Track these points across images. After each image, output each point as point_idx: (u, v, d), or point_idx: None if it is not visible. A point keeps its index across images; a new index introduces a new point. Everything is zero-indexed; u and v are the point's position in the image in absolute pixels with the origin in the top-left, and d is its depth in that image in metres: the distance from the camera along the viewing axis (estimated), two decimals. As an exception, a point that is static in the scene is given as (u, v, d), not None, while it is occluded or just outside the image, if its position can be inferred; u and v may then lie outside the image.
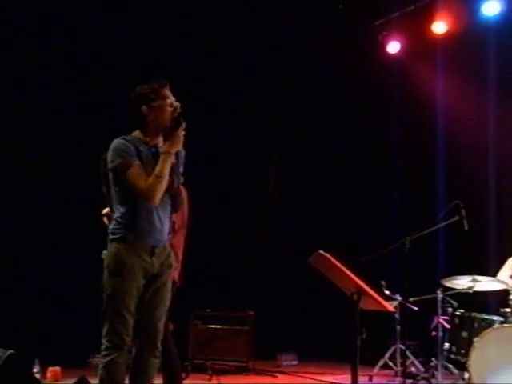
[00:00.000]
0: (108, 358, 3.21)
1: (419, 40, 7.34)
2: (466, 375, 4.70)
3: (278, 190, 8.03)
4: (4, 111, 6.20)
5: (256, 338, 6.65)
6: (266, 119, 7.87)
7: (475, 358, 4.68)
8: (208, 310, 6.71)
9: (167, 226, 3.38)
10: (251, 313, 6.69)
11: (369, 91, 7.60)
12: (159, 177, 3.21)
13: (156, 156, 3.28)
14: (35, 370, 5.17)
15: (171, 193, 3.34)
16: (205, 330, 6.59)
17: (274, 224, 7.96)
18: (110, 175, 3.31)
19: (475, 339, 4.77)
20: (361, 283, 3.01)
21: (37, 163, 6.32)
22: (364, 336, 3.01)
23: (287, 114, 7.92)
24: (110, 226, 3.37)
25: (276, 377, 6.34)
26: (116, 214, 3.34)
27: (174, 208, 3.43)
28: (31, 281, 6.08)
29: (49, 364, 5.50)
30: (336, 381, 5.89)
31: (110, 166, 3.29)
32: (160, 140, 3.35)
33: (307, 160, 7.85)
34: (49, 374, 5.52)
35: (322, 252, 3.02)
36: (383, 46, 7.62)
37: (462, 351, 5.06)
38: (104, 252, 3.58)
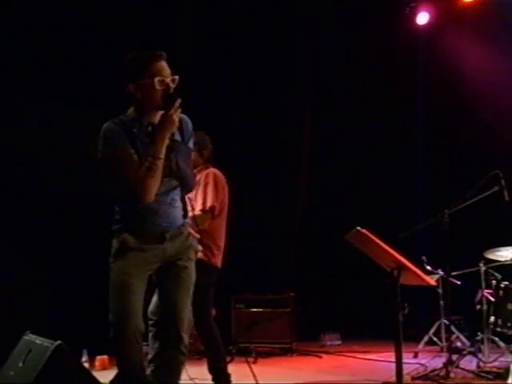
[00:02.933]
0: (119, 351, 2.92)
1: (448, 9, 7.20)
2: (514, 347, 4.63)
3: (309, 170, 8.01)
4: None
5: (299, 320, 6.68)
6: (294, 93, 7.82)
7: (522, 330, 4.62)
8: (249, 294, 6.75)
9: (178, 209, 3.06)
10: (292, 294, 6.71)
11: (398, 65, 7.49)
12: (150, 169, 2.85)
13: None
14: (84, 360, 5.30)
15: (174, 176, 2.99)
16: (247, 313, 6.64)
17: (309, 204, 7.95)
18: (102, 166, 2.98)
19: (521, 311, 4.70)
20: (401, 258, 2.98)
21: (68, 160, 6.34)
22: (406, 311, 2.98)
23: (316, 88, 7.88)
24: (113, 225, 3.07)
25: (320, 357, 6.35)
26: (115, 208, 3.05)
27: (184, 188, 3.07)
28: (78, 272, 6.18)
29: (97, 353, 5.66)
30: (381, 358, 5.87)
31: (98, 154, 2.96)
32: (158, 117, 2.96)
33: (336, 138, 7.81)
34: (97, 363, 5.68)
35: (359, 228, 3.00)
36: (412, 17, 7.49)
37: (508, 324, 4.99)
38: None
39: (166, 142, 2.89)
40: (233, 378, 4.26)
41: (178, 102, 2.88)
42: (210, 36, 7.31)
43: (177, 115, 2.89)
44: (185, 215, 3.12)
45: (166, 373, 3.02)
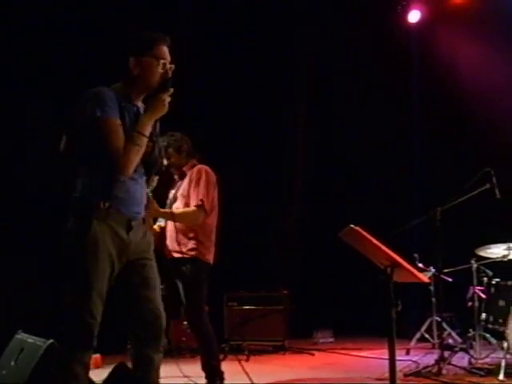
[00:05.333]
0: (71, 356, 2.69)
1: (439, 7, 7.22)
2: (505, 344, 4.65)
3: (304, 168, 8.02)
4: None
5: (291, 317, 6.69)
6: (292, 88, 7.85)
7: (513, 327, 4.64)
8: (242, 292, 6.75)
9: (144, 198, 2.96)
10: (285, 292, 6.72)
11: (391, 63, 7.51)
12: (136, 144, 2.74)
13: (138, 117, 2.84)
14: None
15: (150, 161, 2.89)
16: (240, 311, 6.64)
17: (303, 202, 7.96)
18: (83, 127, 2.76)
19: (512, 307, 4.72)
20: (394, 255, 2.99)
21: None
22: (399, 308, 2.99)
23: (311, 86, 7.89)
24: (76, 194, 2.81)
25: (313, 354, 6.37)
26: (82, 177, 2.80)
27: (150, 179, 3.00)
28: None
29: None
30: (373, 355, 5.89)
31: (86, 114, 2.72)
32: (140, 100, 2.91)
33: (331, 137, 7.83)
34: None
35: (353, 226, 3.01)
36: (404, 16, 7.52)
37: (500, 320, 5.01)
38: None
39: (152, 123, 2.84)
40: (226, 376, 4.26)
41: (171, 90, 2.85)
42: (209, 36, 7.29)
43: (167, 101, 2.85)
44: (146, 206, 3.00)
45: (147, 375, 2.90)
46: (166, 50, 2.91)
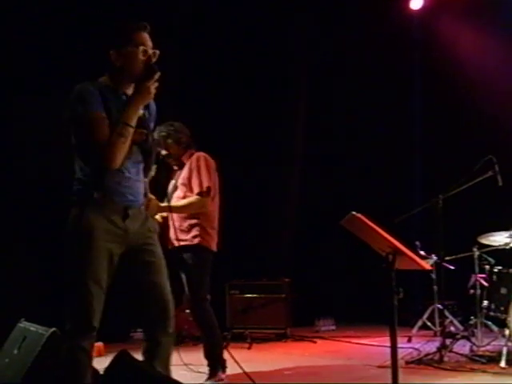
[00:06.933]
0: (72, 344, 2.75)
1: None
2: (507, 332, 4.66)
3: (304, 157, 8.00)
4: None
5: (293, 305, 6.70)
6: (291, 77, 7.82)
7: (515, 314, 4.64)
8: (244, 280, 6.76)
9: (141, 187, 2.96)
10: (287, 280, 6.73)
11: (393, 51, 7.48)
12: (121, 135, 2.75)
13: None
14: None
15: (143, 148, 2.91)
16: (242, 299, 6.65)
17: (305, 190, 7.95)
18: (70, 124, 2.85)
19: (514, 295, 4.72)
20: (396, 243, 2.98)
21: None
22: (401, 296, 2.98)
23: (311, 76, 7.86)
24: (74, 187, 2.89)
25: (315, 342, 6.38)
26: (78, 172, 2.88)
27: (147, 167, 2.98)
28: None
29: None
30: (375, 343, 5.90)
31: (68, 113, 2.83)
32: (131, 89, 2.90)
33: (333, 124, 7.81)
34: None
35: (355, 213, 2.99)
36: (406, 2, 7.47)
37: (502, 308, 5.01)
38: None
39: (140, 113, 2.85)
40: (228, 364, 4.28)
41: (158, 74, 2.84)
42: (208, 35, 7.25)
43: (154, 88, 2.85)
44: (145, 194, 3.03)
45: (155, 359, 2.92)
46: (144, 36, 2.89)
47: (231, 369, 4.27)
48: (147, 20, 2.95)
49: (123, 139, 2.77)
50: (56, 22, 6.13)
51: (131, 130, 2.80)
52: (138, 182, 2.94)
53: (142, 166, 2.96)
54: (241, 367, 3.90)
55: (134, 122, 2.81)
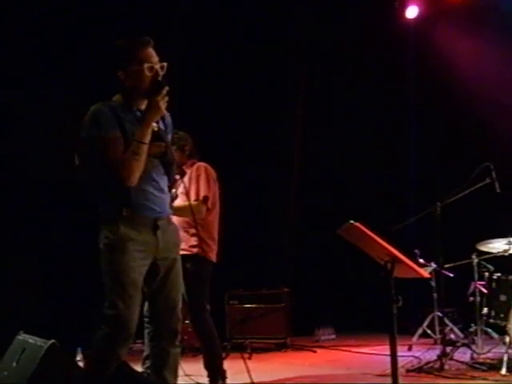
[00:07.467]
0: (107, 349, 2.84)
1: (437, 2, 7.21)
2: (507, 339, 4.65)
3: (302, 165, 8.01)
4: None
5: (293, 315, 6.68)
6: (288, 81, 7.85)
7: (515, 321, 4.63)
8: (243, 290, 6.75)
9: (167, 198, 3.05)
10: (286, 290, 6.71)
11: (388, 59, 7.51)
12: (135, 153, 2.82)
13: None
14: (78, 359, 5.27)
15: (164, 160, 2.99)
16: (241, 309, 6.64)
17: (302, 199, 7.95)
18: (86, 146, 2.92)
19: (514, 302, 4.71)
20: (394, 251, 2.98)
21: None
22: (400, 304, 2.98)
23: (306, 81, 7.88)
24: (100, 209, 2.96)
25: (315, 352, 6.36)
26: (100, 191, 2.95)
27: (170, 179, 3.07)
28: (71, 270, 6.12)
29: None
30: (375, 352, 5.89)
31: (84, 134, 2.91)
32: (145, 104, 2.96)
33: (329, 131, 7.82)
34: (91, 362, 5.64)
35: (352, 222, 3.00)
36: (401, 11, 7.50)
37: (501, 315, 5.00)
38: None
39: (154, 126, 2.91)
40: (228, 375, 4.26)
41: (166, 89, 2.88)
42: (208, 35, 7.28)
43: (164, 102, 2.89)
44: (171, 206, 3.12)
45: (165, 368, 3.01)
46: (148, 52, 2.94)
47: (231, 379, 4.25)
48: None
49: (137, 157, 2.83)
50: (56, 21, 6.16)
51: (145, 147, 2.86)
52: (164, 195, 3.02)
53: (165, 178, 3.04)
54: (250, 377, 3.91)
55: (147, 139, 2.87)
